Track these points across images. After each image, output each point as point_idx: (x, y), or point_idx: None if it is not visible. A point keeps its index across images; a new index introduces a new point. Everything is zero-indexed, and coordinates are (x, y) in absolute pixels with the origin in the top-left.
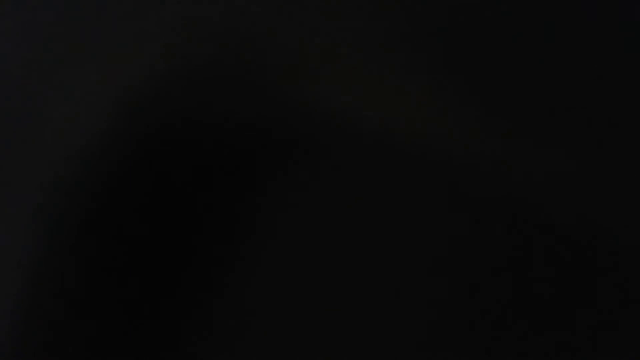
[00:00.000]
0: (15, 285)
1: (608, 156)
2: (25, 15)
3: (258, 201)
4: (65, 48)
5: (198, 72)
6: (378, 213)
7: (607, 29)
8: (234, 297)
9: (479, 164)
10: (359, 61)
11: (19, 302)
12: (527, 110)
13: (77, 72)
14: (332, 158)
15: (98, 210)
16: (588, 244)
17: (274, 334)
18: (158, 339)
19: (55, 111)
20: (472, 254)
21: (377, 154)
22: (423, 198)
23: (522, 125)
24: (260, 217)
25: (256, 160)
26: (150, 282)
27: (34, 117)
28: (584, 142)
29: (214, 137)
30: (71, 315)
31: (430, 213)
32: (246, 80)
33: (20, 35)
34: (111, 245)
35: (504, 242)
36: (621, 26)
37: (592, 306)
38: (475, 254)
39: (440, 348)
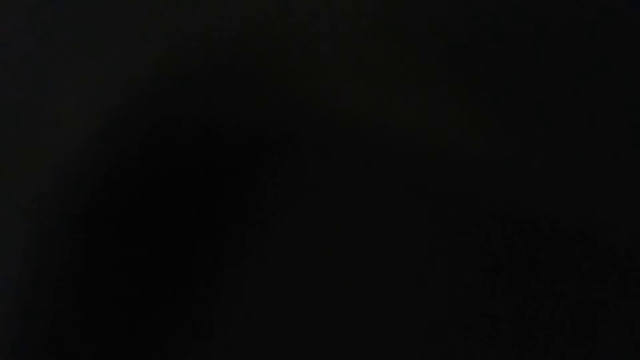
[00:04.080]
0: (14, 284)
1: (609, 156)
2: (26, 15)
3: (258, 200)
4: (65, 48)
5: (198, 72)
6: (378, 212)
7: (607, 29)
8: (234, 297)
9: (479, 163)
10: (359, 62)
11: (18, 302)
12: (527, 110)
13: (77, 72)
14: (333, 158)
15: (96, 210)
16: (588, 244)
17: (273, 334)
18: (158, 339)
19: (55, 111)
20: (471, 253)
21: (377, 154)
22: (423, 197)
23: (522, 124)
24: (260, 216)
25: (256, 159)
26: (150, 281)
27: (33, 117)
28: (583, 142)
29: (214, 137)
30: (70, 316)
31: (430, 212)
32: (246, 81)
33: (20, 35)
34: (110, 244)
35: (504, 241)
36: (621, 26)
37: (591, 305)
38: (475, 253)
39: (439, 347)
